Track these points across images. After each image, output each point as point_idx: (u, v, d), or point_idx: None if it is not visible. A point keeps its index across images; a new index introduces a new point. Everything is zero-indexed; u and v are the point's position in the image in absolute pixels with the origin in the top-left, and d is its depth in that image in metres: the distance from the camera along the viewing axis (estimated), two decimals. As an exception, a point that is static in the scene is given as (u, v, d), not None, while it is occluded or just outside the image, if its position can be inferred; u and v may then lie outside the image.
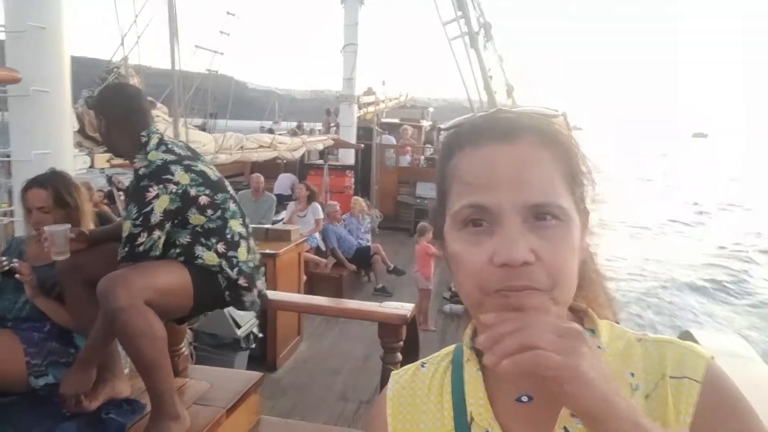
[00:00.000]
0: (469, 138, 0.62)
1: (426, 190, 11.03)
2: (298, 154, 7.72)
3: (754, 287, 12.32)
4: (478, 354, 0.68)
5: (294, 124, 15.53)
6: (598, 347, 0.63)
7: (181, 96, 4.34)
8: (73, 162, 3.08)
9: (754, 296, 11.74)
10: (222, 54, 10.67)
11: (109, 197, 5.23)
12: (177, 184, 1.95)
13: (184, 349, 2.37)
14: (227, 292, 2.05)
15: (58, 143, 2.86)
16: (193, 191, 1.98)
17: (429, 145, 13.45)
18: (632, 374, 0.61)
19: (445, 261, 0.66)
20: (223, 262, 2.02)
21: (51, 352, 2.10)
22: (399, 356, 2.11)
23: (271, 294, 2.19)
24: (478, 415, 0.64)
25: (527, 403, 0.61)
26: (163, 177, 1.94)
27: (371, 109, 12.37)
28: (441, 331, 5.88)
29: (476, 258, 0.57)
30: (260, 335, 4.53)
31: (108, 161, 3.86)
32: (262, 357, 4.81)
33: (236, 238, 2.07)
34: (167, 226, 1.96)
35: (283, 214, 7.73)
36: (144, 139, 2.02)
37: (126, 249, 1.94)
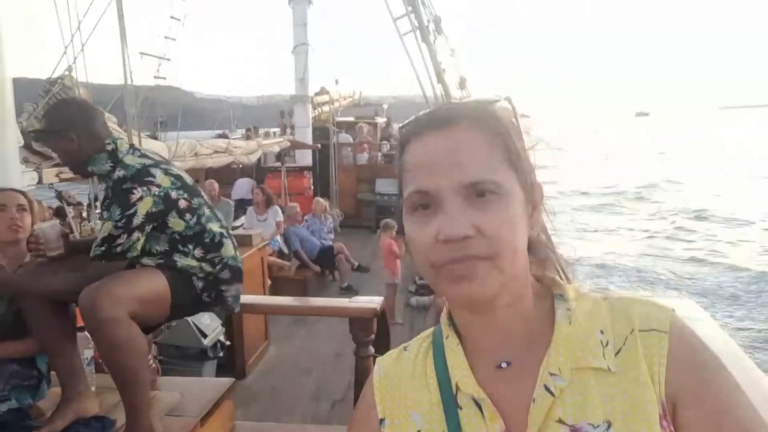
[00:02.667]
0: (414, 132, 0.67)
1: (385, 186, 11.07)
2: (254, 158, 7.63)
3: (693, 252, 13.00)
4: (456, 330, 0.72)
5: (239, 132, 15.32)
6: (568, 310, 0.67)
7: (132, 105, 4.23)
8: (20, 178, 2.97)
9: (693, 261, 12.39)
10: (169, 60, 10.42)
11: (58, 213, 5.05)
12: (159, 186, 1.94)
13: (151, 360, 2.32)
14: (205, 294, 2.04)
15: (4, 160, 2.75)
16: (173, 194, 1.97)
17: (386, 142, 13.50)
18: (601, 332, 0.65)
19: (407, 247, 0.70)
20: (204, 265, 2.02)
21: (13, 375, 2.02)
22: (371, 349, 2.13)
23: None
24: (463, 384, 0.67)
25: (507, 368, 0.66)
26: (146, 179, 1.92)
27: (326, 108, 12.33)
28: (408, 323, 5.93)
29: (424, 237, 0.62)
30: (227, 343, 4.47)
31: (57, 175, 3.73)
32: (231, 364, 4.75)
33: (217, 239, 2.06)
34: (147, 228, 1.93)
35: (243, 220, 7.63)
36: (110, 147, 1.99)
37: (102, 248, 1.89)
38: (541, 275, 0.73)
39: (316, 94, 12.63)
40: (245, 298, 2.24)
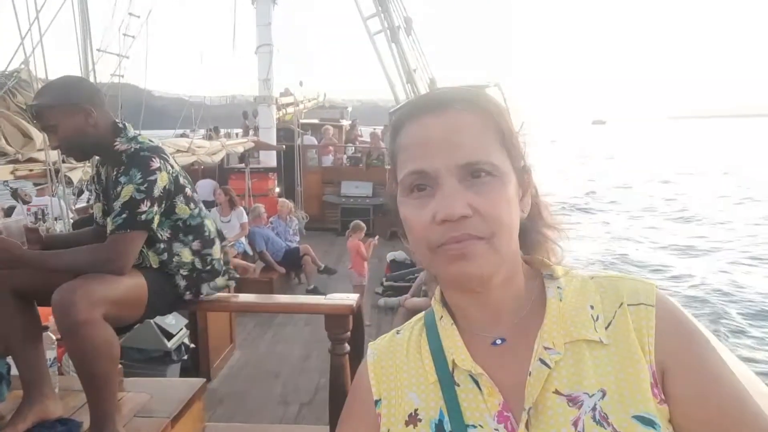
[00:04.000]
0: (408, 115, 0.68)
1: (351, 188, 11.06)
2: (217, 159, 7.49)
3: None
4: (449, 311, 0.73)
5: (201, 132, 14.98)
6: (558, 288, 0.69)
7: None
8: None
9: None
10: (128, 58, 10.12)
11: (8, 213, 4.83)
12: (172, 167, 1.92)
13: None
14: (188, 292, 2.00)
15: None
16: (181, 180, 1.95)
17: (351, 144, 13.49)
18: (591, 306, 0.67)
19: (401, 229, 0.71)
20: (196, 260, 1.99)
21: (-31, 377, 1.92)
22: (347, 346, 2.11)
23: (212, 297, 2.13)
24: (460, 361, 0.68)
25: (501, 345, 0.68)
26: (162, 155, 1.90)
27: (290, 110, 12.23)
28: (376, 325, 5.93)
29: (421, 219, 0.63)
30: (192, 346, 4.36)
31: (12, 173, 3.57)
32: (195, 368, 4.65)
33: (212, 236, 2.05)
34: (162, 206, 1.87)
35: (206, 221, 7.47)
36: (121, 125, 1.95)
37: (124, 216, 1.79)
38: (530, 257, 0.75)
39: (281, 95, 12.51)
40: (218, 295, 2.20)
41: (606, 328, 0.65)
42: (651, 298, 0.66)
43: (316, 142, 12.37)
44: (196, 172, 9.62)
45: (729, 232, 16.32)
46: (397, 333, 0.79)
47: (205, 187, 9.82)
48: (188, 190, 1.98)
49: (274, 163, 10.43)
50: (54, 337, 2.07)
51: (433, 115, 0.65)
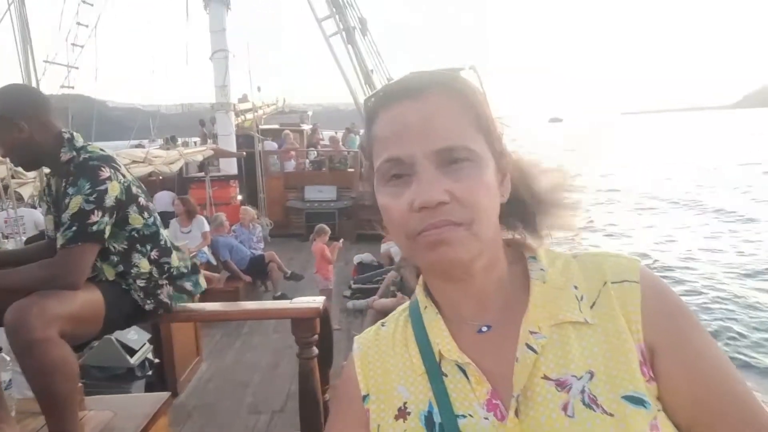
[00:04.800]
0: (384, 101, 0.67)
1: (314, 193, 10.99)
2: (175, 168, 7.32)
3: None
4: (433, 300, 0.73)
5: (159, 141, 14.61)
6: (541, 270, 0.69)
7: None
8: None
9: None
10: (77, 68, 9.82)
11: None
12: (123, 176, 1.87)
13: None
14: (149, 301, 1.95)
15: None
16: (134, 189, 1.90)
17: (312, 149, 13.41)
18: (575, 287, 0.67)
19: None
20: (154, 269, 1.95)
21: None
22: (315, 350, 2.09)
23: (176, 308, 2.08)
24: (446, 351, 0.67)
25: (487, 332, 0.68)
26: (113, 164, 1.84)
27: (249, 116, 12.07)
28: (346, 327, 5.90)
29: (399, 207, 0.62)
30: (156, 360, 4.25)
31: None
32: (161, 383, 4.53)
33: (168, 245, 2.01)
34: (113, 217, 1.81)
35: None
36: (67, 135, 1.88)
37: (73, 228, 1.72)
38: (512, 240, 0.74)
39: (239, 101, 12.34)
40: (183, 308, 2.15)
41: (591, 307, 0.65)
42: (635, 274, 0.65)
43: (276, 148, 12.25)
44: (154, 183, 9.40)
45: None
46: (382, 326, 0.78)
47: (164, 198, 9.60)
48: (141, 200, 1.94)
49: (234, 171, 10.27)
50: (8, 358, 1.98)
51: (408, 101, 0.64)
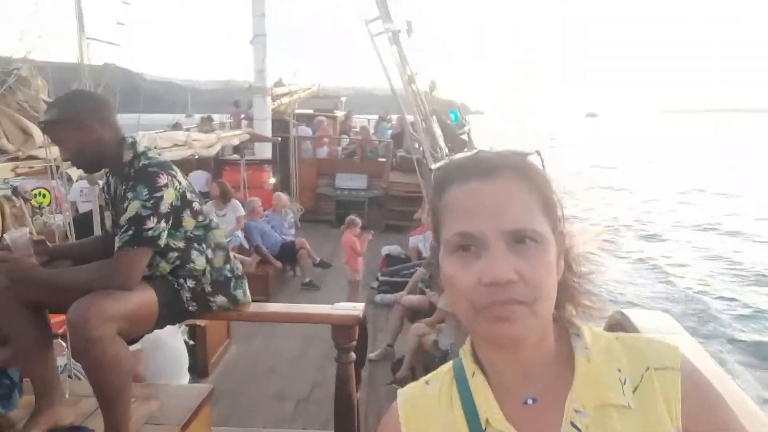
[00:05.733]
0: (457, 176, 0.71)
1: (345, 180, 11.05)
2: (213, 151, 7.45)
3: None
4: (480, 366, 0.75)
5: (197, 117, 14.74)
6: (586, 348, 0.72)
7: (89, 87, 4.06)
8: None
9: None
10: (118, 45, 9.98)
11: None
12: (180, 183, 1.94)
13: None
14: (194, 303, 2.03)
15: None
16: (189, 195, 1.97)
17: (345, 136, 13.44)
18: (619, 369, 0.70)
19: (443, 285, 0.73)
20: (208, 268, 2.03)
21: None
22: (353, 355, 2.16)
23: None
24: (494, 420, 0.71)
25: (532, 405, 0.71)
26: (170, 171, 1.92)
27: (285, 100, 12.15)
28: (372, 321, 5.97)
29: (467, 279, 0.66)
30: (191, 343, 4.39)
31: (12, 170, 3.55)
32: (192, 364, 4.67)
33: (222, 246, 2.10)
34: (169, 222, 1.90)
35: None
36: (130, 140, 1.98)
37: (130, 233, 1.81)
38: (558, 315, 0.76)
39: (275, 85, 12.41)
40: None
41: (633, 391, 0.68)
42: (676, 361, 0.69)
43: (311, 133, 12.32)
44: (190, 162, 9.58)
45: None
46: (427, 384, 0.81)
47: (199, 178, 9.78)
48: (196, 205, 2.01)
49: (268, 155, 10.37)
50: (64, 344, 2.10)
51: (482, 180, 0.68)
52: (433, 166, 0.77)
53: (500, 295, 0.64)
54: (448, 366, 0.81)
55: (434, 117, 3.65)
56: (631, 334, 0.76)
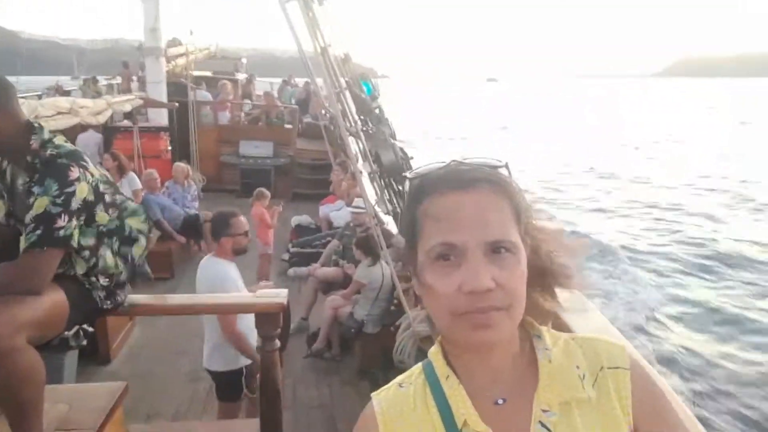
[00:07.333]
0: (435, 186, 0.74)
1: (250, 148, 10.66)
2: (102, 119, 6.84)
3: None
4: (453, 369, 0.79)
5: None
6: (546, 349, 0.78)
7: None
8: None
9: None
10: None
11: None
12: (92, 175, 1.77)
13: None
14: (107, 301, 1.90)
15: None
16: (101, 187, 1.82)
17: (248, 101, 12.89)
18: (577, 366, 0.76)
19: (419, 290, 0.77)
20: (118, 260, 1.90)
21: None
22: (278, 343, 2.13)
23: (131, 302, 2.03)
24: (472, 422, 0.74)
25: (502, 404, 0.75)
26: (81, 162, 1.74)
27: (180, 62, 11.37)
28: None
29: (447, 287, 0.69)
30: (91, 329, 4.10)
31: None
32: (93, 350, 4.39)
33: (134, 234, 1.96)
34: (81, 219, 1.72)
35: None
36: (36, 124, 1.77)
37: (38, 232, 1.62)
38: (521, 319, 0.80)
39: (169, 44, 11.55)
40: (132, 299, 2.11)
41: (592, 386, 0.75)
42: (625, 361, 0.76)
43: (210, 98, 11.67)
44: (77, 129, 8.74)
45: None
46: (401, 386, 0.83)
47: (88, 141, 8.92)
48: (107, 197, 1.86)
49: (164, 121, 9.71)
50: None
51: (462, 192, 0.71)
52: (408, 175, 0.79)
53: (480, 303, 0.68)
54: (418, 368, 0.84)
55: (347, 89, 3.57)
56: (583, 335, 0.82)
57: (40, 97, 9.41)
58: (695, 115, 50.72)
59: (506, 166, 0.77)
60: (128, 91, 11.09)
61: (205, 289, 3.12)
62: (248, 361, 3.14)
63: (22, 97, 5.28)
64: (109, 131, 9.09)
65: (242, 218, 3.53)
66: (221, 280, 3.10)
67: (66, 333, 3.77)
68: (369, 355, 4.56)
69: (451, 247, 0.69)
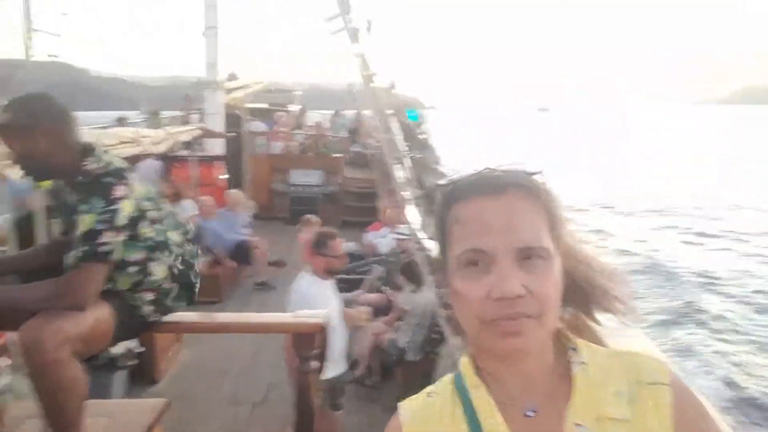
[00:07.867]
0: (465, 192, 0.73)
1: (300, 177, 10.88)
2: (163, 148, 7.19)
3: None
4: (483, 379, 0.76)
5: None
6: (582, 362, 0.74)
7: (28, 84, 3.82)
8: None
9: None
10: (59, 36, 9.51)
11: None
12: (137, 191, 1.85)
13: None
14: (154, 316, 1.94)
15: None
16: (146, 203, 1.87)
17: (299, 131, 13.24)
18: (615, 383, 0.72)
19: (450, 298, 0.75)
20: (169, 278, 1.95)
21: None
22: (315, 364, 2.11)
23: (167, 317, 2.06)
24: None
25: (533, 416, 0.72)
26: (126, 179, 1.81)
27: (237, 94, 11.85)
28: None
29: (475, 293, 0.68)
30: (141, 349, 4.21)
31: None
32: (141, 370, 4.49)
33: (180, 247, 2.01)
34: (126, 235, 1.78)
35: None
36: (94, 147, 1.87)
37: (84, 248, 1.69)
38: (556, 330, 0.77)
39: (227, 79, 12.08)
40: (176, 316, 2.14)
41: (629, 403, 0.70)
42: (666, 377, 0.72)
43: (264, 128, 12.07)
44: (138, 158, 9.18)
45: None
46: (429, 396, 0.81)
47: (148, 168, 9.28)
48: (153, 213, 1.92)
49: (219, 151, 10.06)
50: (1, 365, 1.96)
51: (491, 198, 0.70)
52: (439, 182, 0.80)
53: (509, 310, 0.66)
54: (449, 378, 0.82)
55: (394, 116, 3.66)
56: (623, 350, 0.79)
57: (104, 128, 9.99)
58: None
59: (541, 173, 0.75)
60: (188, 123, 11.59)
61: (294, 299, 3.25)
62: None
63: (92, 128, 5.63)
64: (167, 160, 9.50)
65: (339, 241, 3.64)
66: (312, 296, 3.21)
67: (115, 352, 3.93)
68: (410, 382, 4.46)
69: (480, 253, 0.68)
